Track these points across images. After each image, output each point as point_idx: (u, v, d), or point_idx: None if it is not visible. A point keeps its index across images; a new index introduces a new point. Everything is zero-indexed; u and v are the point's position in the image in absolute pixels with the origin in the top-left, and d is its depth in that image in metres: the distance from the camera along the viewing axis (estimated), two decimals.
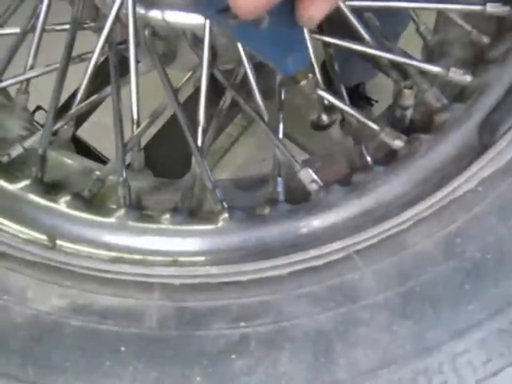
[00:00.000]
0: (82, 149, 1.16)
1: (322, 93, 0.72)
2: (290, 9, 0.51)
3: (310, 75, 0.62)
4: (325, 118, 0.74)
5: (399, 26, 1.13)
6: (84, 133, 1.20)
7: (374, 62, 0.78)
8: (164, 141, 1.25)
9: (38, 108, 1.12)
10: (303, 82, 0.63)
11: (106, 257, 0.66)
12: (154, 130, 1.29)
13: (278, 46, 0.54)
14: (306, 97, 0.78)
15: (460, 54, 0.76)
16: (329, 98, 0.71)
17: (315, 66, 0.73)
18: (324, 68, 0.81)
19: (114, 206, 0.70)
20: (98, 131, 1.18)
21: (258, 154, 1.40)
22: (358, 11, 0.73)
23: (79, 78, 0.76)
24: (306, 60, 0.58)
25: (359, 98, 1.45)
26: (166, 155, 1.18)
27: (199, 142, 0.70)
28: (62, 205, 0.69)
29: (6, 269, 0.62)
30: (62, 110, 0.78)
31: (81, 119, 1.17)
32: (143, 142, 1.28)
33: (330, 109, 0.74)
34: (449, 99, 0.71)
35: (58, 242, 0.66)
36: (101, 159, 1.23)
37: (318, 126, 0.76)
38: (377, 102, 1.46)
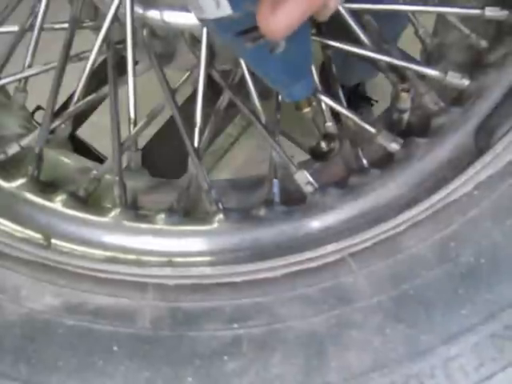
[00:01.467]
0: (81, 148, 1.16)
1: (320, 96, 0.72)
2: (302, 36, 0.51)
3: (314, 103, 0.63)
4: (324, 145, 0.74)
5: (398, 27, 1.12)
6: (83, 132, 1.20)
7: (374, 62, 0.78)
8: (164, 141, 1.25)
9: (38, 108, 1.12)
10: (306, 110, 0.64)
11: (100, 256, 0.66)
12: (153, 130, 1.29)
13: (288, 73, 0.54)
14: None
15: (458, 58, 0.76)
16: (327, 100, 0.71)
17: (313, 68, 0.73)
18: (323, 70, 0.81)
19: (110, 206, 0.70)
20: (97, 131, 1.18)
21: (258, 155, 1.40)
22: (356, 13, 0.73)
23: (78, 77, 0.76)
24: (312, 87, 0.58)
25: (360, 98, 1.45)
26: (165, 156, 1.18)
27: (196, 143, 0.70)
28: (57, 204, 0.69)
29: (0, 267, 0.62)
30: (60, 110, 0.79)
31: (80, 119, 1.17)
32: (143, 143, 1.28)
33: (329, 136, 0.74)
34: (446, 103, 0.71)
35: (53, 241, 0.66)
36: (100, 159, 1.23)
37: (316, 154, 0.76)
38: (377, 102, 1.46)
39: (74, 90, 0.88)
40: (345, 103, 0.75)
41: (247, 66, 0.71)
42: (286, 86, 0.58)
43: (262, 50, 0.50)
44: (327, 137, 0.75)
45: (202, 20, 0.51)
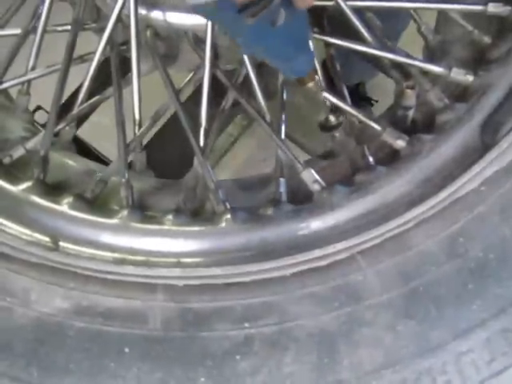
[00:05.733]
0: (81, 149, 1.16)
1: (324, 94, 0.72)
2: (299, 11, 0.52)
3: (317, 77, 0.63)
4: (332, 119, 0.74)
5: (400, 25, 1.13)
6: (83, 133, 1.20)
7: (375, 62, 0.78)
8: (163, 141, 1.25)
9: (38, 108, 1.11)
10: (310, 84, 0.64)
11: (109, 258, 0.66)
12: (153, 130, 1.28)
13: (290, 46, 0.56)
14: (306, 97, 0.78)
15: (461, 54, 0.76)
16: (331, 98, 0.71)
17: (317, 66, 0.73)
18: (325, 68, 0.81)
19: (117, 207, 0.70)
20: (97, 131, 1.17)
21: (259, 154, 1.40)
22: (358, 11, 0.73)
23: (81, 79, 0.76)
24: (313, 62, 0.59)
25: (360, 98, 1.45)
26: (164, 155, 1.18)
27: (201, 143, 0.69)
28: (64, 206, 0.69)
29: (9, 271, 0.62)
30: (62, 111, 0.78)
31: (81, 119, 1.16)
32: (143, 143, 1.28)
33: (336, 110, 0.74)
34: (451, 99, 0.71)
35: (61, 244, 0.66)
36: (100, 159, 1.22)
37: (326, 127, 0.76)
38: (377, 101, 1.46)
39: (74, 91, 0.88)
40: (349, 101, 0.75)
41: (250, 65, 0.71)
42: (287, 60, 0.59)
43: (263, 25, 0.52)
44: (335, 111, 0.75)
45: (198, 6, 0.52)
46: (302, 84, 0.65)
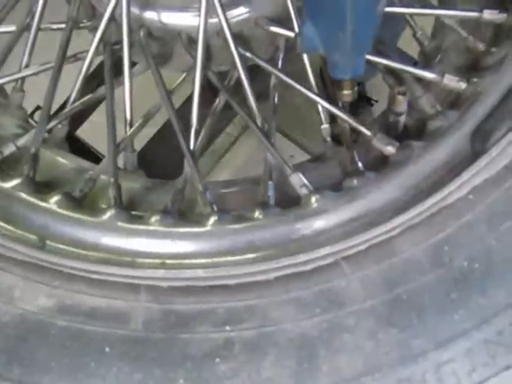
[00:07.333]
0: (80, 148, 1.16)
1: (316, 98, 0.72)
2: None
3: (356, 88, 0.63)
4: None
5: (398, 27, 1.12)
6: (83, 132, 1.20)
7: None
8: (163, 142, 1.25)
9: (38, 108, 1.11)
10: (346, 92, 0.64)
11: (94, 258, 0.66)
12: (153, 130, 1.28)
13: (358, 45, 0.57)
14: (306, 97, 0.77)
15: (456, 61, 0.75)
16: (322, 103, 0.71)
17: (310, 72, 0.73)
18: (322, 73, 0.81)
19: (105, 207, 0.70)
20: (97, 131, 1.18)
21: (258, 155, 1.39)
22: None
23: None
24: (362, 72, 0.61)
25: (359, 98, 1.44)
26: (165, 157, 1.18)
27: (192, 144, 0.69)
28: (52, 204, 0.69)
29: None
30: (59, 110, 0.79)
31: (80, 119, 1.17)
32: (143, 144, 1.28)
33: None
34: (443, 106, 0.71)
35: (48, 242, 0.66)
36: (100, 159, 1.23)
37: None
38: (377, 101, 1.45)
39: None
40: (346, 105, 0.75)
41: (242, 67, 0.70)
42: (358, 51, 0.59)
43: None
44: None
45: None
46: (340, 89, 0.65)
